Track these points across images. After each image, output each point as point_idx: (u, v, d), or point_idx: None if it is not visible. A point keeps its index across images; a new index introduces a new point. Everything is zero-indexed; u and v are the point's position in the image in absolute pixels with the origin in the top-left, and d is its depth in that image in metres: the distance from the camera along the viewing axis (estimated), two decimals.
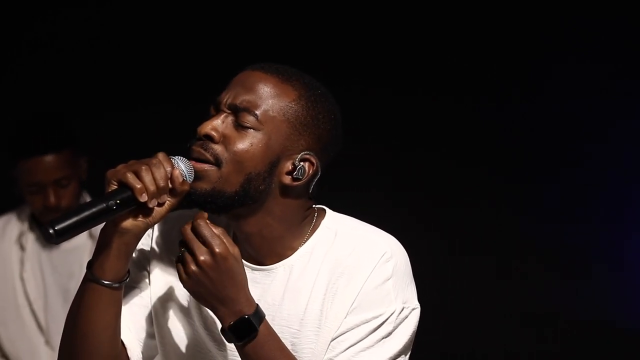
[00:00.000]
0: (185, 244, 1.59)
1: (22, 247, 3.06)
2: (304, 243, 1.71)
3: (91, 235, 3.04)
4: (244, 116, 1.64)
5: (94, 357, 1.65)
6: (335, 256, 1.68)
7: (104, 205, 1.54)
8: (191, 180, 1.63)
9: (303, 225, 1.71)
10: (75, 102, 3.75)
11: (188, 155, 1.64)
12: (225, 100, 1.66)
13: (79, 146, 3.07)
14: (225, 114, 1.65)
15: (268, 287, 1.69)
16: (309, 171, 1.67)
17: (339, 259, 1.68)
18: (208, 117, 1.67)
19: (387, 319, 1.65)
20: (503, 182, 3.72)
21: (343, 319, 1.65)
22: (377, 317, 1.65)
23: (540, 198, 3.75)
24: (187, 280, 1.59)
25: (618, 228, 3.70)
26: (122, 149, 3.44)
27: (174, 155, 1.63)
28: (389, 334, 1.66)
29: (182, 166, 1.62)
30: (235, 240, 1.70)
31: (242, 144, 1.64)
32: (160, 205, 1.60)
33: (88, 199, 3.07)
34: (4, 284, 3.05)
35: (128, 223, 1.59)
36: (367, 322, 1.64)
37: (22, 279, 3.04)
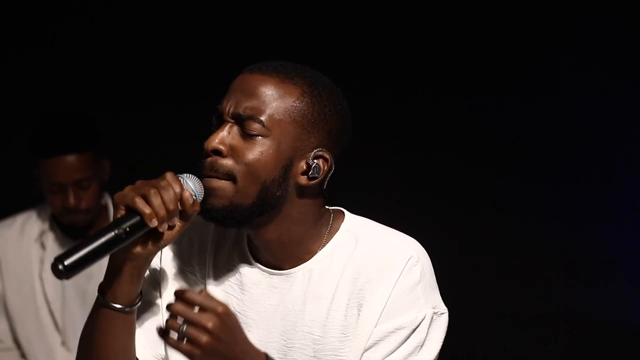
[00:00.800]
0: (183, 321, 1.49)
1: (42, 246, 3.05)
2: (323, 247, 1.67)
3: None
4: (249, 124, 1.60)
5: None
6: (359, 261, 1.64)
7: (113, 234, 1.50)
8: (201, 198, 1.59)
9: (320, 226, 1.68)
10: (80, 102, 3.71)
11: (199, 173, 1.60)
12: (227, 109, 1.61)
13: (102, 147, 3.03)
14: (229, 124, 1.61)
15: (287, 292, 1.66)
16: (324, 168, 1.64)
17: (363, 265, 1.64)
18: (212, 128, 1.62)
19: (419, 325, 1.62)
20: (518, 183, 3.73)
21: (373, 327, 1.62)
22: (409, 323, 1.62)
23: (556, 199, 3.75)
24: (203, 356, 1.49)
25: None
26: (124, 149, 3.47)
27: (182, 174, 1.59)
28: (423, 341, 1.63)
29: (191, 185, 1.58)
30: (252, 246, 1.68)
31: (252, 154, 1.60)
32: (170, 228, 1.56)
33: (109, 201, 3.08)
34: (23, 282, 3.03)
35: (138, 248, 1.55)
36: (399, 329, 1.61)
37: (41, 279, 3.02)
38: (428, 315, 1.63)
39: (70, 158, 2.94)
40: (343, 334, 1.64)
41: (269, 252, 1.66)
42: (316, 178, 1.63)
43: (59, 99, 3.74)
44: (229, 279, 1.70)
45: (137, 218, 1.51)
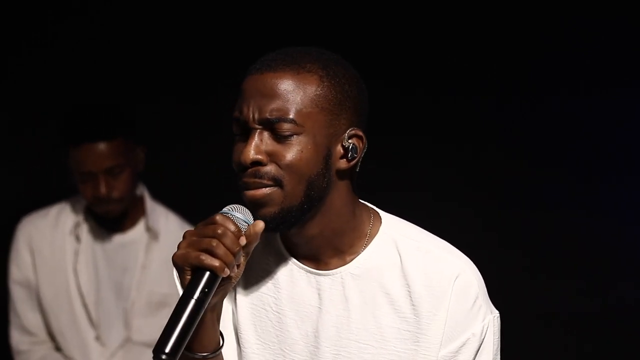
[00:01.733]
0: None
1: (77, 238, 3.00)
2: (364, 248, 1.63)
3: (148, 229, 3.01)
4: (280, 126, 1.54)
5: None
6: (408, 273, 1.61)
7: (194, 301, 1.47)
8: (252, 222, 1.54)
9: (359, 216, 1.63)
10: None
11: (243, 189, 1.56)
12: (250, 116, 1.55)
13: (134, 134, 2.98)
14: (258, 131, 1.55)
15: (327, 293, 1.61)
16: (359, 145, 1.60)
17: (412, 279, 1.60)
18: (237, 140, 1.58)
19: (485, 333, 1.61)
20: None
21: (437, 352, 1.59)
22: (473, 334, 1.60)
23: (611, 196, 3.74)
24: None
25: None
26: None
27: (225, 208, 1.54)
28: (490, 346, 1.63)
29: (241, 218, 1.53)
30: (287, 242, 1.64)
31: (293, 155, 1.54)
32: (238, 266, 1.52)
33: (145, 192, 3.04)
34: (57, 275, 2.99)
35: (215, 298, 1.52)
36: (466, 343, 1.59)
37: (75, 271, 2.98)
38: (491, 321, 1.62)
39: (100, 145, 2.88)
40: (399, 348, 1.60)
41: (309, 248, 1.62)
42: (355, 157, 1.60)
43: (61, 97, 3.73)
44: (264, 278, 1.65)
45: (207, 274, 1.47)
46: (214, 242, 1.47)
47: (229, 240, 1.48)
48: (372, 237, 1.64)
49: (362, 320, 1.61)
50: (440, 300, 1.59)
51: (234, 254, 1.49)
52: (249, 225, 1.53)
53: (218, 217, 1.50)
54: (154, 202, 3.06)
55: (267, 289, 1.65)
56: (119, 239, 3.00)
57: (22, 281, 3.01)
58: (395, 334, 1.60)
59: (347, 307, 1.61)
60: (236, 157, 1.57)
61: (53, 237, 3.00)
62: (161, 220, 3.04)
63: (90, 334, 2.98)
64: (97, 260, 2.99)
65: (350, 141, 1.59)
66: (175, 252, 1.51)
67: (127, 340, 3.00)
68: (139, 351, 2.98)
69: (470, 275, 1.61)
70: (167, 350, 1.44)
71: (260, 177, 1.55)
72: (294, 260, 1.64)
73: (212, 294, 1.48)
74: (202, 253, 1.48)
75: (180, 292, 1.51)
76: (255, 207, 1.55)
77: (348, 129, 1.59)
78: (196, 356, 1.53)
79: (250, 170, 1.55)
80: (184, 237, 1.50)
